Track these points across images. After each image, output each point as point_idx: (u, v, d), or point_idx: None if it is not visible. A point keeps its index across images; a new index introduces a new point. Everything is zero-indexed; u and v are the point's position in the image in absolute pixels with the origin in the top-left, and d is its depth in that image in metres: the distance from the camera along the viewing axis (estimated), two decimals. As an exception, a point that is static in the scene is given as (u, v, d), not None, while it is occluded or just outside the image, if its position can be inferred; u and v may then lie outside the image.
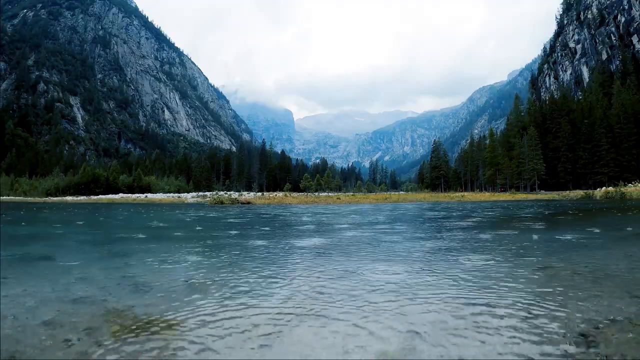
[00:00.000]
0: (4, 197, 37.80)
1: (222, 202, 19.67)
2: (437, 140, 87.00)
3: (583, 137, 51.95)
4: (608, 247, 3.40)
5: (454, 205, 16.12)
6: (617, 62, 78.02)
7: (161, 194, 44.10)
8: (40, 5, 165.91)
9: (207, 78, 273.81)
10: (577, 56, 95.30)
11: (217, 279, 2.20)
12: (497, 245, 3.53)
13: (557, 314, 1.46)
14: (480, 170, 65.17)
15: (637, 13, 79.53)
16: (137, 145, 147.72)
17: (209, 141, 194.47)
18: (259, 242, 4.18)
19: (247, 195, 28.59)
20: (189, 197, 32.56)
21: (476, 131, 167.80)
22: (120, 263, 2.78)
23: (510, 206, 13.82)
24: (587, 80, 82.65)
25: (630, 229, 5.37)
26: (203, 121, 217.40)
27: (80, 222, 8.13)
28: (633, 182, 26.15)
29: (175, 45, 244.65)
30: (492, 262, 2.64)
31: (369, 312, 1.51)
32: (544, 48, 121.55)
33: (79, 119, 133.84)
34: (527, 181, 54.06)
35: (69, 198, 37.34)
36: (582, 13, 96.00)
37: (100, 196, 38.08)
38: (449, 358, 1.08)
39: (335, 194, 47.41)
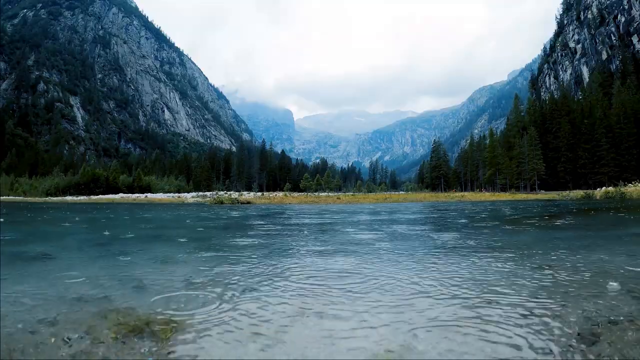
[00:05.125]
0: (4, 197, 37.79)
1: (222, 202, 19.66)
2: (437, 140, 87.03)
3: (583, 137, 51.97)
4: (608, 246, 3.39)
5: (454, 205, 16.13)
6: (617, 62, 78.08)
7: (161, 194, 44.09)
8: (40, 5, 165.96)
9: (207, 78, 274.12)
10: (577, 56, 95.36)
11: (217, 278, 2.20)
12: (496, 245, 3.53)
13: (557, 313, 1.46)
14: (480, 170, 65.22)
15: (637, 13, 79.57)
16: (137, 145, 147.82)
17: (209, 141, 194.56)
18: (259, 242, 4.18)
19: (247, 195, 28.59)
20: (189, 197, 32.55)
21: (476, 131, 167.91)
22: (120, 262, 2.78)
23: (510, 206, 13.82)
24: (587, 80, 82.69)
25: (630, 228, 5.38)
26: (203, 121, 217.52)
27: (77, 219, 8.13)
28: (633, 182, 26.10)
29: (175, 45, 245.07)
30: (492, 261, 2.64)
31: (369, 312, 1.51)
32: (544, 48, 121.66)
33: (79, 119, 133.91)
34: (527, 181, 54.08)
35: (68, 198, 37.34)
36: (582, 13, 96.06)
37: (100, 196, 38.07)
38: (449, 358, 1.08)
39: (335, 193, 47.43)
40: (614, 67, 78.45)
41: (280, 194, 37.11)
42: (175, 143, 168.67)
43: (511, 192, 44.60)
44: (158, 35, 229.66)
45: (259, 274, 2.31)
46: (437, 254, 3.09)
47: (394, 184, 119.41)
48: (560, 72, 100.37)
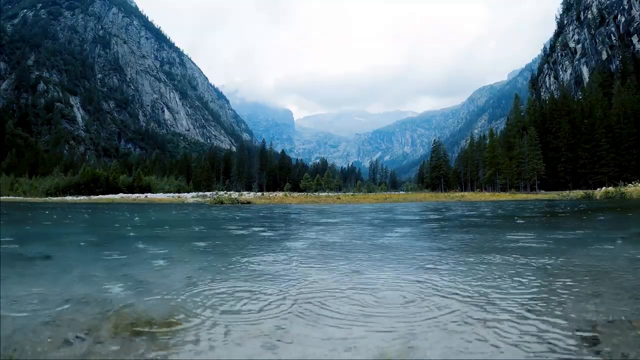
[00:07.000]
0: (4, 197, 37.77)
1: (222, 202, 19.66)
2: (437, 140, 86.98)
3: (583, 137, 51.97)
4: (608, 246, 3.39)
5: (454, 205, 16.12)
6: (617, 62, 78.06)
7: (161, 194, 44.07)
8: (40, 5, 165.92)
9: (207, 78, 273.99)
10: (577, 56, 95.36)
11: (218, 278, 2.20)
12: (496, 245, 3.53)
13: (557, 313, 1.46)
14: (480, 170, 65.22)
15: (637, 13, 79.58)
16: (137, 145, 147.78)
17: (209, 141, 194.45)
18: (259, 242, 4.18)
19: (247, 195, 28.58)
20: (189, 197, 32.54)
21: (476, 131, 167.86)
22: (120, 262, 2.78)
23: (511, 206, 13.83)
24: (587, 80, 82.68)
25: (630, 228, 5.38)
26: (203, 121, 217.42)
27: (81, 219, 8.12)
28: (633, 182, 26.07)
29: (175, 45, 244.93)
30: (491, 261, 2.64)
31: (370, 312, 1.52)
32: (544, 48, 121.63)
33: (79, 119, 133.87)
34: (527, 181, 54.08)
35: (68, 198, 37.32)
36: (582, 13, 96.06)
37: (100, 196, 38.04)
38: (449, 358, 1.09)
39: (335, 193, 47.44)
40: (614, 67, 78.43)
41: (280, 194, 37.12)
42: (175, 143, 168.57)
43: (511, 192, 44.62)
44: (158, 35, 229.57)
45: (260, 275, 2.31)
46: (436, 253, 3.09)
47: (394, 184, 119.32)
48: (560, 72, 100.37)
